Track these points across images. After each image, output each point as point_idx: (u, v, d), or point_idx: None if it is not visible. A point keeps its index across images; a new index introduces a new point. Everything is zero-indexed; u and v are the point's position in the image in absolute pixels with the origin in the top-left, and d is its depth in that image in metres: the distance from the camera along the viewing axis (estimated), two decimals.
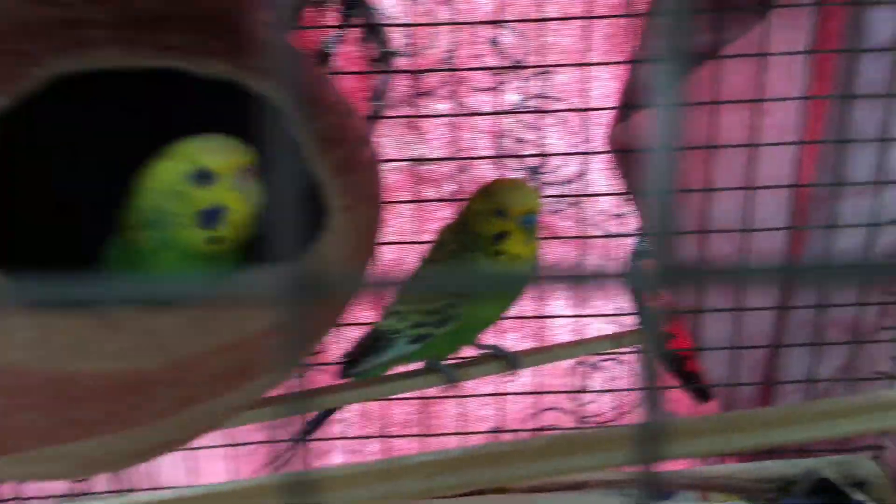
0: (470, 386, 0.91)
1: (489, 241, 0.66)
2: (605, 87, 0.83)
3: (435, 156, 0.83)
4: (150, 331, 0.39)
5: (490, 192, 0.67)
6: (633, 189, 0.84)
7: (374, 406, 0.93)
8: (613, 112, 0.82)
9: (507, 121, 0.83)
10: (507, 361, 0.79)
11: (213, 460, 0.93)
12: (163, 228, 0.47)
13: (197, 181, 0.46)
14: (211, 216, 0.47)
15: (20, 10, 0.42)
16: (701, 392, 0.92)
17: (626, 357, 0.92)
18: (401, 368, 0.79)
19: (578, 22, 0.79)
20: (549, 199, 0.86)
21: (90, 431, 0.40)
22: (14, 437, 0.38)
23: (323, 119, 0.50)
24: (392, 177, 0.85)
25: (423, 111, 0.82)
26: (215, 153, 0.47)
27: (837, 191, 0.81)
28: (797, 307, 0.85)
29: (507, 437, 0.95)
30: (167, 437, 0.50)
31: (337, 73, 0.79)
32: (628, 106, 0.80)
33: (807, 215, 0.84)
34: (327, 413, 0.86)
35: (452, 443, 0.94)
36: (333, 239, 0.48)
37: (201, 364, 0.43)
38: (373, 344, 0.76)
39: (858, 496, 0.77)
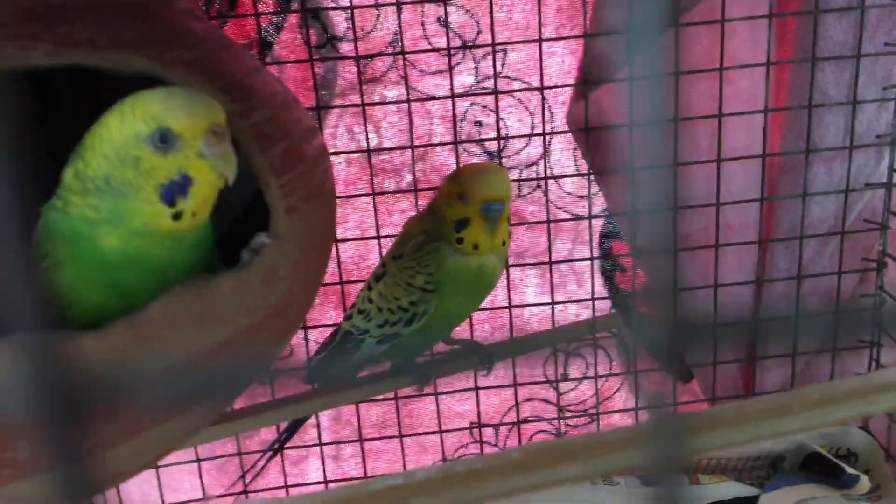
0: (445, 381, 0.88)
1: (452, 227, 0.62)
2: (562, 63, 0.79)
3: (389, 145, 0.80)
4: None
5: (457, 175, 0.63)
6: (597, 168, 0.80)
7: (347, 409, 0.89)
8: (572, 90, 0.78)
9: (464, 104, 0.79)
10: (483, 356, 0.76)
11: (181, 475, 0.89)
12: (113, 198, 0.39)
13: (157, 146, 0.39)
14: (174, 189, 0.39)
15: None
16: (682, 372, 0.89)
17: (603, 342, 0.89)
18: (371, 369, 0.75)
19: None
20: (512, 182, 0.82)
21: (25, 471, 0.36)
22: None
23: (258, 113, 0.46)
24: (347, 169, 0.81)
25: (373, 99, 0.78)
26: (179, 111, 0.38)
27: (808, 158, 0.78)
28: (774, 279, 0.83)
29: (489, 431, 0.92)
30: (118, 468, 0.46)
31: (279, 63, 0.75)
32: (587, 82, 0.76)
33: (778, 185, 0.81)
34: (299, 421, 0.82)
35: (432, 441, 0.90)
36: (279, 245, 0.44)
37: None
38: (339, 347, 0.72)
39: (850, 469, 0.75)
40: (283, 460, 0.89)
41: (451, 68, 0.77)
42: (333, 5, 0.75)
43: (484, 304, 0.87)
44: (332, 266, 0.83)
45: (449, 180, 0.64)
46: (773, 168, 0.81)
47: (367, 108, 0.77)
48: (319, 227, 0.51)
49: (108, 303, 0.40)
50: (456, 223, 0.62)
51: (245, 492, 0.88)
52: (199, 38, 0.46)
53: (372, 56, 0.77)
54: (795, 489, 0.81)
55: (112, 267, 0.40)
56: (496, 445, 0.93)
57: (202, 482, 0.87)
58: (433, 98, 0.78)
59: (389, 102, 0.78)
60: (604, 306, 0.87)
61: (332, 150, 0.79)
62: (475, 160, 0.82)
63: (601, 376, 0.89)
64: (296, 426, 0.83)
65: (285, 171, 0.46)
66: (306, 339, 0.84)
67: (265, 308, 0.44)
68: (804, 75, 0.77)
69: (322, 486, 0.89)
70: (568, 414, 0.92)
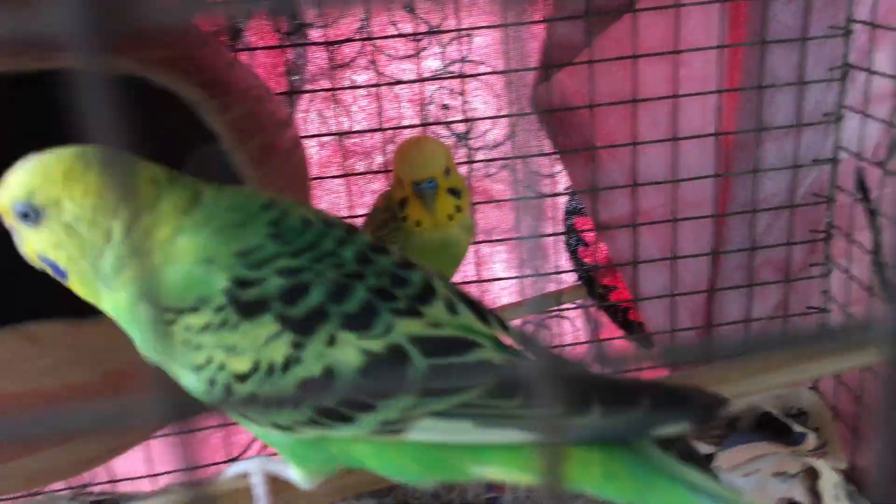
0: None
1: (398, 208, 0.64)
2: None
3: (359, 128, 0.82)
4: (77, 345, 0.37)
5: (394, 156, 0.65)
6: (560, 148, 0.84)
7: None
8: (534, 73, 0.81)
9: (430, 88, 0.82)
10: None
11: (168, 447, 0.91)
12: None
13: None
14: None
15: None
16: (643, 340, 0.94)
17: (568, 313, 0.93)
18: None
19: None
20: (480, 163, 0.85)
21: (33, 448, 0.38)
22: None
23: (237, 108, 0.48)
24: (319, 152, 0.83)
25: (343, 83, 0.80)
26: None
27: (760, 136, 0.82)
28: (729, 251, 0.87)
29: None
30: (114, 444, 0.49)
31: (249, 49, 0.77)
32: (548, 65, 0.79)
33: (732, 162, 0.85)
34: None
35: None
36: None
37: (140, 370, 0.41)
38: None
39: (798, 427, 0.80)
40: None
41: (418, 53, 0.79)
42: None
43: (454, 279, 0.90)
44: None
45: (393, 162, 0.65)
46: (727, 146, 0.85)
47: (336, 92, 0.79)
48: None
49: None
50: (398, 203, 0.64)
51: None
52: (177, 35, 0.48)
53: (341, 42, 0.79)
54: (750, 447, 0.86)
55: None
56: None
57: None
58: (401, 82, 0.80)
59: (359, 87, 0.80)
60: (570, 279, 0.90)
61: (304, 135, 0.81)
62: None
63: (567, 345, 0.93)
64: None
65: (263, 164, 0.48)
66: None
67: None
68: (755, 57, 0.81)
69: None
70: None
